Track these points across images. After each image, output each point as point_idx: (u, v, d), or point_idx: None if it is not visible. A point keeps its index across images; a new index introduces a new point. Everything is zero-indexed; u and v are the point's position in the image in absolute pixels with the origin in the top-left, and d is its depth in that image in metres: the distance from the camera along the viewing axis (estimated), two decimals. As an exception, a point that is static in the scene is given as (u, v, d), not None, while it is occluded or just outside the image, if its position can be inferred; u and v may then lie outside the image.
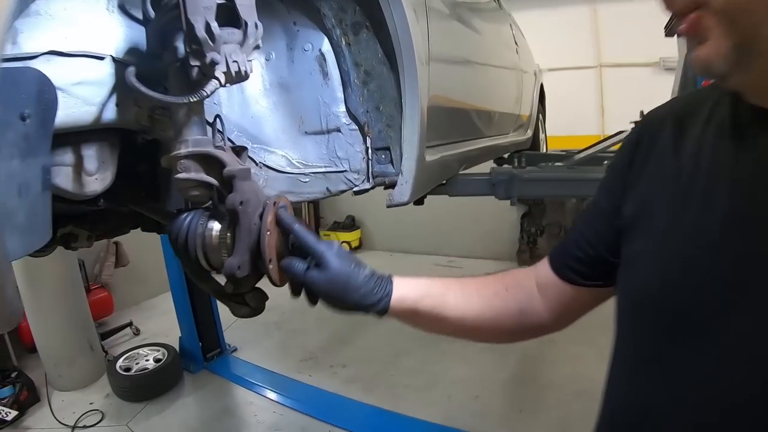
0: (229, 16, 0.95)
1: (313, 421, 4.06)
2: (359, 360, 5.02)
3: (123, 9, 1.01)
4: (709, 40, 0.70)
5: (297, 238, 1.03)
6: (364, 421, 3.98)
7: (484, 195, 2.63)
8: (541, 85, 5.11)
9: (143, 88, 0.91)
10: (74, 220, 1.41)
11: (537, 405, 4.03)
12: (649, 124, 0.97)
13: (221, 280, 1.09)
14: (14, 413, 4.12)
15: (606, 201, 1.01)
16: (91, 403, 4.36)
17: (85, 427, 4.09)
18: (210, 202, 1.08)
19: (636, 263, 0.92)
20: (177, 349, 4.90)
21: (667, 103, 1.00)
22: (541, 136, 5.11)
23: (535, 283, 1.17)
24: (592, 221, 1.04)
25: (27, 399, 4.33)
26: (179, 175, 0.99)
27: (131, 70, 0.92)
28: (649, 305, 0.87)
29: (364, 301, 1.05)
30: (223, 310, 5.19)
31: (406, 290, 1.11)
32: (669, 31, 3.28)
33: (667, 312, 0.84)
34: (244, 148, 1.14)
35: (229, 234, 1.02)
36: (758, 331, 0.73)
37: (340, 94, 1.56)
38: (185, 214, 1.05)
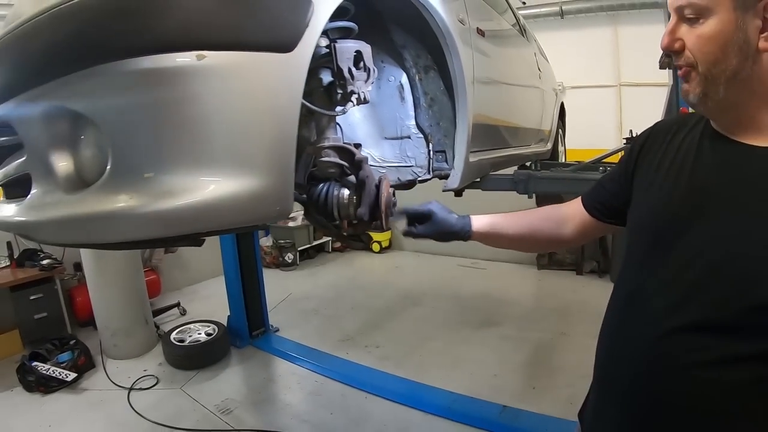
0: (357, 61, 1.56)
1: (350, 389, 4.40)
2: (391, 342, 5.34)
3: None
4: (690, 83, 1.18)
5: (409, 209, 1.73)
6: (395, 390, 4.30)
7: (508, 190, 3.18)
8: (562, 104, 5.59)
9: (309, 104, 1.45)
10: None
11: (548, 383, 4.34)
12: (658, 127, 1.46)
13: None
14: (73, 375, 4.45)
15: (624, 171, 1.49)
16: (145, 370, 4.73)
17: (141, 389, 4.41)
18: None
19: (638, 206, 1.40)
20: (225, 326, 5.25)
21: (672, 117, 1.53)
22: (561, 148, 5.56)
23: (565, 214, 1.71)
24: (614, 182, 1.54)
25: (84, 364, 4.69)
26: (323, 159, 1.60)
27: None
28: (642, 228, 1.36)
29: (458, 234, 1.72)
30: (269, 294, 5.67)
31: (479, 223, 1.74)
32: (660, 65, 4.11)
33: (651, 232, 1.31)
34: (360, 144, 1.73)
35: (354, 196, 1.61)
36: (701, 245, 1.17)
37: (412, 113, 2.23)
38: (323, 184, 1.64)
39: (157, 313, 5.79)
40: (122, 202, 1.10)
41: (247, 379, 4.75)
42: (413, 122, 2.23)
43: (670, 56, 1.23)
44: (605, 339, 1.45)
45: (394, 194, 1.75)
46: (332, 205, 1.61)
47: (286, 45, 1.21)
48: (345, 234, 1.74)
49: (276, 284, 7.02)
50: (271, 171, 1.21)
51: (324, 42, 1.52)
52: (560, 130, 5.60)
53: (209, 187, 1.11)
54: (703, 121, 1.32)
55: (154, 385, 4.52)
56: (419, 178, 2.31)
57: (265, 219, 1.28)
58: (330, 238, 8.72)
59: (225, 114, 1.11)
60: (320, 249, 8.90)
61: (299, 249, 8.21)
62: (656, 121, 1.52)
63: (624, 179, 1.49)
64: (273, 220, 1.31)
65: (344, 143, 1.64)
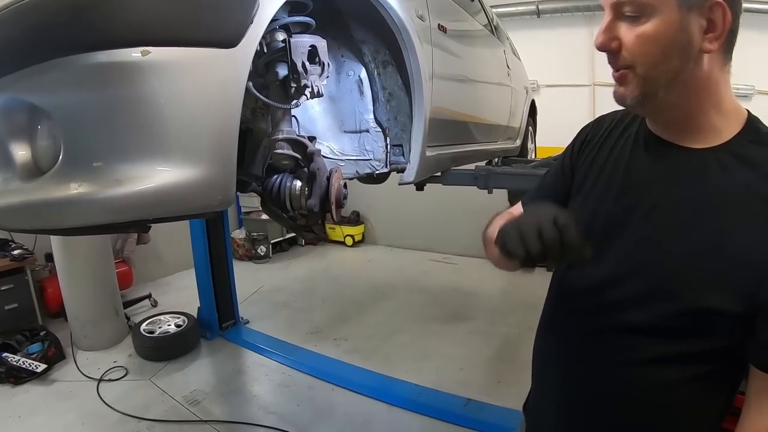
0: (313, 56, 1.60)
1: (317, 381, 4.45)
2: (359, 335, 5.39)
3: None
4: (626, 86, 1.12)
5: None
6: (361, 383, 4.34)
7: (468, 185, 3.22)
8: (533, 101, 5.66)
9: (262, 96, 1.53)
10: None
11: (514, 378, 4.29)
12: (596, 124, 1.43)
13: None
14: (43, 366, 4.42)
15: (563, 167, 1.46)
16: (114, 361, 4.71)
17: (110, 380, 4.41)
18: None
19: (572, 204, 1.38)
20: (196, 317, 5.26)
21: (611, 113, 1.42)
22: (530, 145, 5.64)
23: None
24: (556, 180, 1.49)
25: (54, 355, 4.65)
26: (277, 150, 1.65)
27: (251, 84, 1.53)
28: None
29: None
30: (240, 286, 5.71)
31: None
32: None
33: (583, 231, 1.14)
34: (314, 137, 1.78)
35: (306, 188, 1.65)
36: (633, 246, 1.18)
37: (371, 107, 2.28)
38: (276, 176, 1.69)
39: (128, 304, 5.77)
40: (73, 189, 1.16)
41: (215, 370, 4.78)
42: (372, 116, 2.28)
43: None
44: (540, 336, 1.48)
45: (345, 186, 1.79)
46: (284, 196, 1.66)
47: (230, 41, 1.26)
48: (298, 225, 1.78)
49: (248, 277, 7.06)
50: (213, 161, 1.26)
51: (281, 36, 1.58)
52: (530, 127, 5.67)
53: (154, 176, 1.18)
54: (638, 120, 1.30)
55: (123, 376, 4.52)
56: (377, 172, 2.37)
57: (208, 207, 1.33)
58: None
59: (168, 107, 1.17)
60: (293, 242, 8.90)
61: (272, 242, 8.23)
62: (596, 117, 1.48)
63: (563, 176, 1.47)
64: (215, 208, 1.35)
65: (298, 136, 1.69)
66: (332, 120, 2.31)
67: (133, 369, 4.64)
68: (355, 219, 9.20)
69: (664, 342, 1.13)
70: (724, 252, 1.06)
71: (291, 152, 1.66)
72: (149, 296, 6.20)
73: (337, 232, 9.09)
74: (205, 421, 3.86)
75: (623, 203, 1.23)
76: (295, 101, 1.65)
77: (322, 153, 2.16)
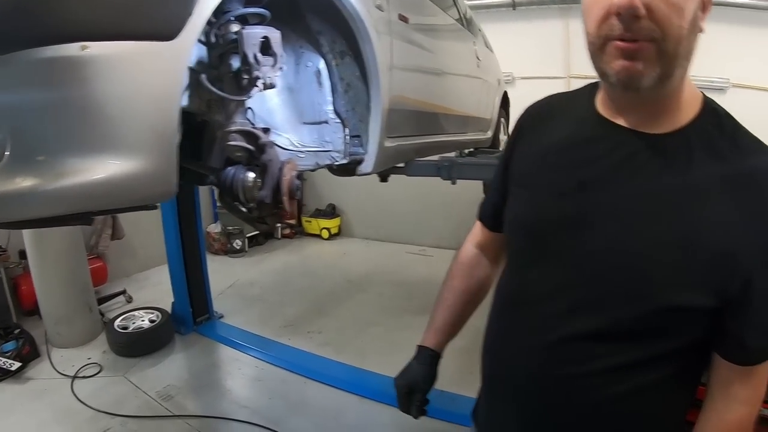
0: (266, 47, 1.59)
1: (290, 374, 4.45)
2: (333, 328, 5.39)
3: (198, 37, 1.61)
4: (645, 62, 0.95)
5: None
6: (334, 376, 4.35)
7: (432, 176, 3.24)
8: (505, 93, 5.66)
9: (212, 87, 1.53)
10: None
11: None
12: (531, 112, 1.34)
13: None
14: (17, 365, 4.34)
15: (502, 165, 1.38)
16: (89, 358, 4.65)
17: (84, 377, 4.37)
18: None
19: (515, 203, 1.28)
20: (170, 312, 5.22)
21: (546, 98, 1.35)
22: (503, 136, 5.62)
23: (480, 250, 1.58)
24: (502, 181, 1.37)
25: (29, 353, 4.58)
26: (231, 142, 1.66)
27: (204, 77, 1.53)
28: (520, 226, 1.26)
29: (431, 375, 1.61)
30: (215, 281, 5.69)
31: (435, 340, 1.62)
32: None
33: (531, 231, 1.21)
34: (269, 129, 1.79)
35: (259, 180, 1.66)
36: (589, 246, 1.08)
37: (330, 98, 2.27)
38: (230, 168, 1.69)
39: (102, 300, 5.72)
40: (18, 183, 1.16)
41: (189, 365, 4.76)
42: (331, 108, 2.28)
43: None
44: (491, 342, 1.38)
45: (299, 178, 1.79)
46: (238, 188, 1.67)
47: (168, 33, 1.26)
48: (252, 217, 1.79)
49: (223, 271, 7.03)
50: (153, 154, 1.27)
51: (236, 28, 1.58)
52: (503, 119, 5.67)
53: (95, 168, 1.19)
54: (583, 104, 1.20)
55: (97, 373, 4.48)
56: (336, 163, 2.36)
57: (149, 199, 1.36)
58: (280, 225, 8.70)
59: (107, 100, 1.18)
60: (269, 236, 8.84)
61: (248, 236, 8.17)
62: (528, 105, 1.38)
63: (504, 174, 1.37)
64: (157, 200, 1.38)
65: (252, 127, 1.70)
66: (292, 111, 2.30)
67: (107, 365, 4.61)
68: (331, 212, 9.16)
69: (629, 346, 1.07)
70: (694, 245, 1.00)
71: (244, 144, 1.67)
72: (124, 292, 6.13)
73: (314, 225, 9.06)
74: (178, 416, 3.84)
75: (578, 197, 1.12)
76: (247, 93, 1.65)
77: (282, 145, 2.16)
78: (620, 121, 1.10)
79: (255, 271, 7.37)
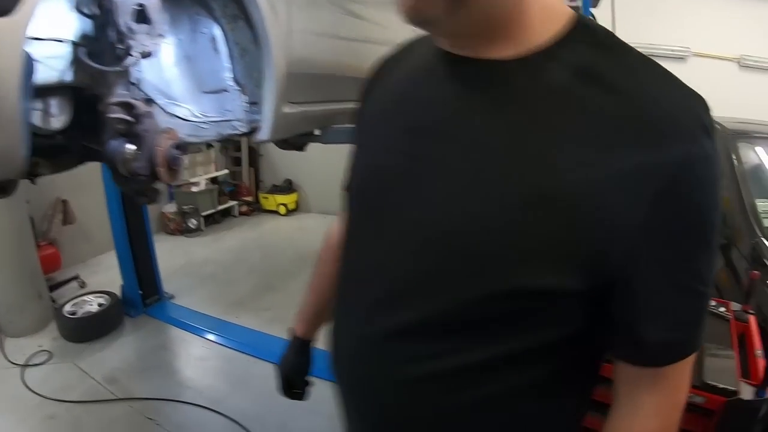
0: (143, 15, 1.62)
1: (237, 353, 4.52)
2: (281, 305, 5.39)
3: (78, 9, 1.61)
4: None
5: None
6: (279, 353, 4.31)
7: (349, 143, 3.19)
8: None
9: (88, 61, 1.57)
10: (40, 153, 1.78)
11: None
12: (380, 62, 1.15)
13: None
14: None
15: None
16: (39, 346, 4.66)
17: (35, 365, 4.38)
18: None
19: (352, 165, 1.10)
20: (119, 296, 5.22)
21: (397, 45, 1.12)
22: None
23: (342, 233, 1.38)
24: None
25: None
26: (110, 114, 1.67)
27: (83, 50, 1.57)
28: (354, 193, 1.07)
29: (305, 360, 1.69)
30: (166, 262, 5.69)
31: (305, 329, 1.65)
32: None
33: (362, 197, 1.02)
34: (152, 100, 1.83)
35: (138, 152, 1.68)
36: (419, 212, 0.85)
37: (228, 65, 2.25)
38: (113, 141, 1.71)
39: (55, 287, 5.67)
40: None
41: (137, 347, 4.77)
42: (230, 75, 2.26)
43: None
44: (330, 334, 1.12)
45: (179, 148, 1.80)
46: (117, 160, 1.69)
47: (3, 8, 1.27)
48: (134, 189, 1.83)
49: (178, 251, 7.02)
50: None
51: None
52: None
53: None
54: (429, 40, 0.94)
55: (47, 360, 4.49)
56: (238, 131, 2.35)
57: None
58: (236, 202, 8.71)
59: None
60: (227, 213, 8.75)
61: (203, 214, 8.06)
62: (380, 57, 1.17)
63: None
64: (2, 176, 1.41)
65: (130, 99, 1.71)
66: (191, 81, 2.26)
67: (57, 352, 4.61)
68: (288, 187, 9.07)
69: (478, 342, 0.85)
70: (550, 205, 0.74)
71: (123, 115, 1.69)
72: (77, 277, 6.06)
73: (270, 201, 8.98)
74: (122, 399, 3.89)
75: (404, 151, 0.90)
76: (122, 63, 1.66)
77: (182, 116, 2.15)
78: (471, 53, 0.84)
79: (211, 249, 7.35)
